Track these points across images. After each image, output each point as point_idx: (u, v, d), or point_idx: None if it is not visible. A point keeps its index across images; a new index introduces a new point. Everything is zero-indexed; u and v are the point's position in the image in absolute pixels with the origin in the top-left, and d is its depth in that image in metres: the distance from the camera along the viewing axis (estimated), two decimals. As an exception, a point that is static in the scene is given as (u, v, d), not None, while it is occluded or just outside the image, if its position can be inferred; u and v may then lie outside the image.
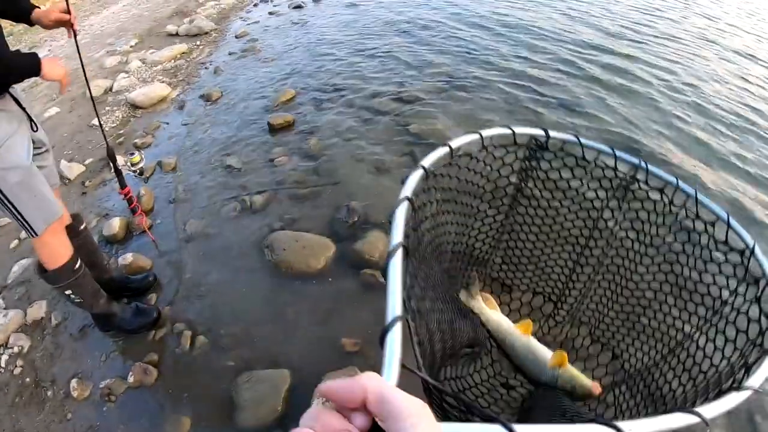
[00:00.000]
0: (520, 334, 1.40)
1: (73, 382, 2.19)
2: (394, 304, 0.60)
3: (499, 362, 1.44)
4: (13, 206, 1.73)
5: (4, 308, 2.59)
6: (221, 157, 3.75)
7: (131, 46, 6.34)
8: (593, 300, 1.46)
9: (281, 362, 2.19)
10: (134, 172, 2.60)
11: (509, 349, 1.41)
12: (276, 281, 2.60)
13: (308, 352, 2.23)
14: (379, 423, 0.34)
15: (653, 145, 3.57)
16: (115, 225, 3.02)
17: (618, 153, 1.19)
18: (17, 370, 2.30)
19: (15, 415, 2.12)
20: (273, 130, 4.04)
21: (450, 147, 1.01)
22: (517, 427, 0.50)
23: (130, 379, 2.17)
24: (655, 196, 1.21)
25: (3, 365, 2.32)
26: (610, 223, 1.30)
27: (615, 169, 1.18)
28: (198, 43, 6.31)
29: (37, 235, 1.82)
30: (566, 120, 3.88)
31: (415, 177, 0.90)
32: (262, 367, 2.16)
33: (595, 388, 1.33)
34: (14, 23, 1.96)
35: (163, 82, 5.17)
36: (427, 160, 0.96)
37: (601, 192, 1.26)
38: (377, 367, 1.87)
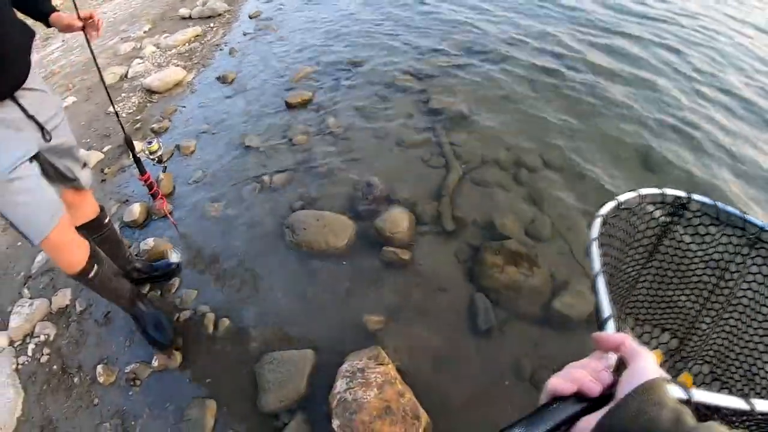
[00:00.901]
0: None
1: (99, 368, 2.19)
2: (607, 307, 0.83)
3: None
4: (5, 217, 1.64)
5: (30, 298, 2.60)
6: (239, 137, 3.69)
7: (144, 32, 6.28)
8: (716, 341, 1.62)
9: (305, 342, 2.15)
10: (153, 160, 2.56)
11: None
12: (297, 261, 2.55)
13: (331, 331, 2.18)
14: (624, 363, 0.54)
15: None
16: (136, 211, 3.00)
17: (747, 217, 1.38)
18: (44, 359, 2.30)
19: (44, 402, 2.13)
20: (291, 108, 3.95)
21: (618, 201, 1.23)
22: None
23: (155, 363, 2.16)
24: None
25: (30, 354, 2.33)
26: (735, 275, 1.49)
27: (743, 228, 1.40)
28: (211, 25, 6.21)
29: (34, 244, 1.70)
30: (583, 100, 3.71)
31: (597, 223, 1.14)
32: (286, 348, 2.12)
33: None
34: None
35: (178, 65, 5.10)
36: (604, 210, 1.17)
37: (730, 246, 1.47)
38: (400, 345, 1.81)
